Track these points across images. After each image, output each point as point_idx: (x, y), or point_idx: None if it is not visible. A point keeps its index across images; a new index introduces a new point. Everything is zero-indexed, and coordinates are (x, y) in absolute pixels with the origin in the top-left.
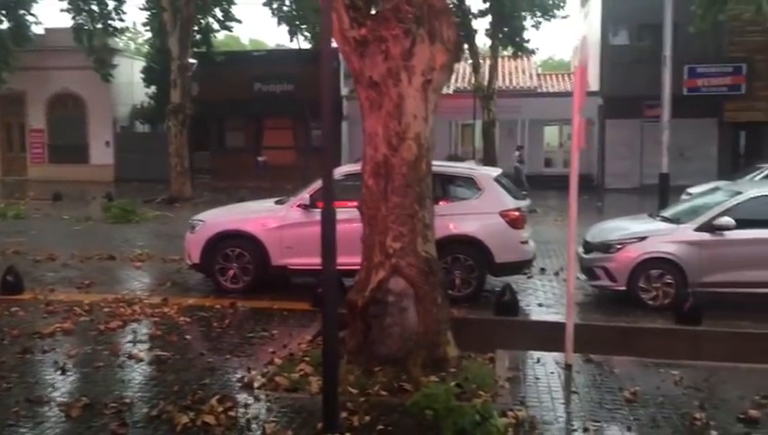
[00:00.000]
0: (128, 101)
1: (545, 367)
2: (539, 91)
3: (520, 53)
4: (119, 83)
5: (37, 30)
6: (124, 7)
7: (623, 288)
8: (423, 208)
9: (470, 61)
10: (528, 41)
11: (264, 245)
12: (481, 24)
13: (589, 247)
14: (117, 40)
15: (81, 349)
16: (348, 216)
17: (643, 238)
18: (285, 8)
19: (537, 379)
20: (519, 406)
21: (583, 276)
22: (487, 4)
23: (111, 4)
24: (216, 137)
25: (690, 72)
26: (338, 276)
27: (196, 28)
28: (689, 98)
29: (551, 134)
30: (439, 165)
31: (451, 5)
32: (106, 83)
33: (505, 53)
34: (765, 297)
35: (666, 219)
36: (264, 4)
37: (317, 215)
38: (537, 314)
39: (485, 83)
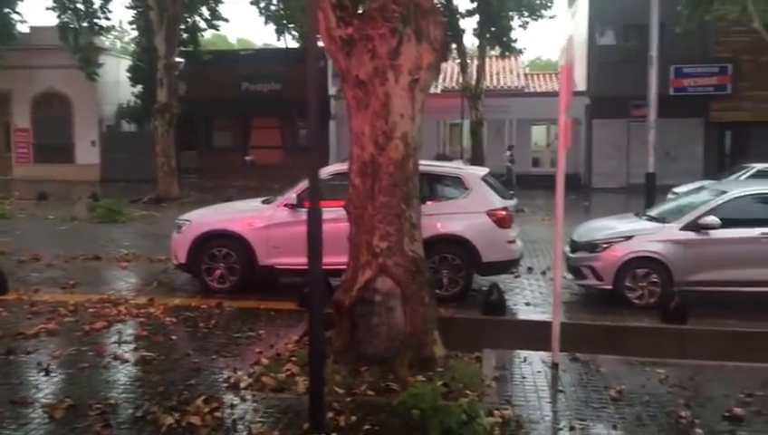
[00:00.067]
0: (114, 100)
1: (532, 366)
2: (526, 90)
3: (507, 53)
4: (105, 82)
5: (22, 28)
6: (110, 6)
7: (609, 287)
8: (410, 208)
9: (458, 60)
10: (515, 40)
11: (251, 244)
12: (468, 24)
13: (575, 247)
14: (103, 38)
15: (66, 350)
16: (335, 215)
17: (629, 238)
18: (273, 7)
19: (524, 378)
20: (505, 405)
21: (570, 276)
22: (475, 4)
23: (97, 3)
24: (204, 136)
25: (676, 72)
26: (325, 276)
27: (182, 27)
28: (675, 98)
29: (538, 134)
30: (426, 164)
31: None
32: (92, 82)
33: (493, 52)
34: (750, 296)
35: (651, 218)
36: (252, 3)
37: (304, 214)
38: (524, 314)
39: (473, 83)
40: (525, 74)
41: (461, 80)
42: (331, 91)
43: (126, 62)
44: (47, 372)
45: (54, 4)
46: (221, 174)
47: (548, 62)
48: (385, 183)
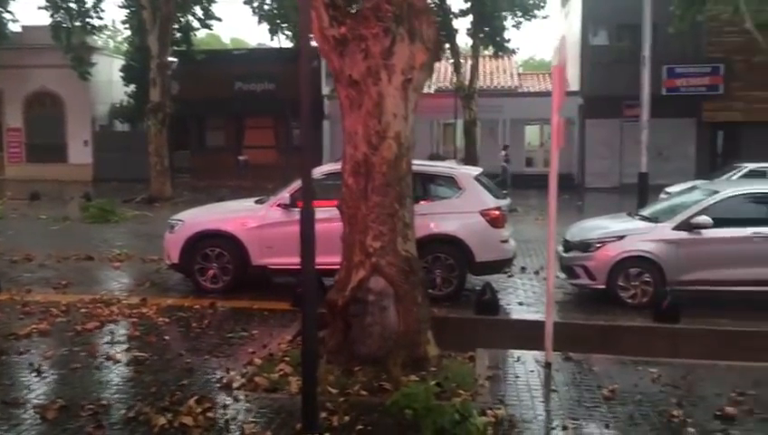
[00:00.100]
0: (107, 99)
1: (525, 365)
2: (520, 90)
3: (501, 53)
4: (97, 82)
5: (14, 28)
6: (103, 5)
7: (602, 287)
8: (403, 207)
9: (451, 60)
10: (509, 40)
11: (244, 244)
12: (462, 24)
13: (568, 246)
14: (95, 38)
15: (58, 350)
16: (328, 215)
17: (622, 237)
18: (266, 7)
19: (517, 377)
20: (498, 405)
21: (563, 275)
22: (468, 4)
23: (90, 2)
24: (197, 136)
25: (669, 72)
26: (318, 276)
27: (176, 26)
28: (668, 98)
29: (531, 134)
30: (420, 164)
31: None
32: (84, 82)
33: (486, 52)
34: (742, 295)
35: (644, 218)
36: (245, 3)
37: (297, 214)
38: (517, 313)
39: (467, 83)
40: (519, 74)
41: (454, 79)
42: (325, 90)
43: (119, 62)
44: (39, 373)
45: (47, 4)
46: (214, 174)
47: (541, 62)
48: (378, 183)
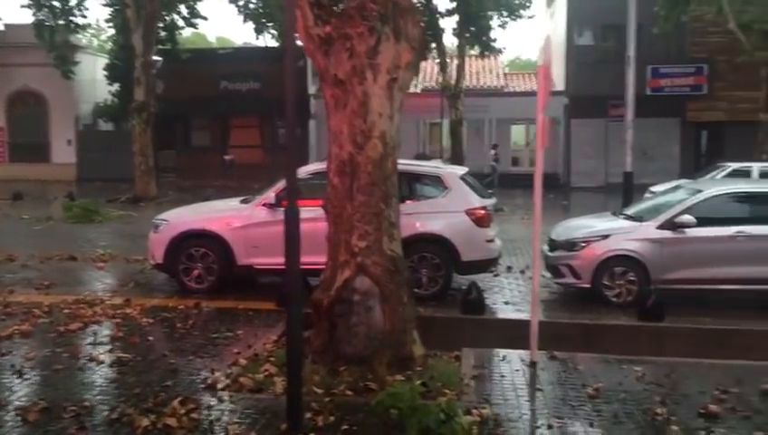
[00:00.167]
0: (90, 98)
1: (510, 364)
2: (506, 90)
3: (487, 53)
4: (81, 81)
5: None
6: (86, 3)
7: (587, 286)
8: (389, 207)
9: (437, 60)
10: (495, 40)
11: (229, 244)
12: (448, 24)
13: (554, 245)
14: (79, 36)
15: (40, 351)
16: (314, 214)
17: (607, 236)
18: (252, 5)
19: (502, 376)
20: (484, 404)
21: (548, 274)
22: (454, 4)
23: (73, 0)
24: (182, 135)
25: (653, 72)
26: (303, 276)
27: (160, 25)
28: (652, 98)
29: (517, 133)
30: (405, 163)
31: (417, 4)
32: (68, 81)
33: (472, 52)
34: (726, 294)
35: (629, 217)
36: (230, 2)
37: (283, 214)
38: (503, 312)
39: (453, 82)
40: (505, 74)
41: (440, 79)
42: (311, 90)
43: (103, 61)
44: (21, 375)
45: (30, 2)
46: (200, 173)
47: (527, 61)
48: (363, 182)
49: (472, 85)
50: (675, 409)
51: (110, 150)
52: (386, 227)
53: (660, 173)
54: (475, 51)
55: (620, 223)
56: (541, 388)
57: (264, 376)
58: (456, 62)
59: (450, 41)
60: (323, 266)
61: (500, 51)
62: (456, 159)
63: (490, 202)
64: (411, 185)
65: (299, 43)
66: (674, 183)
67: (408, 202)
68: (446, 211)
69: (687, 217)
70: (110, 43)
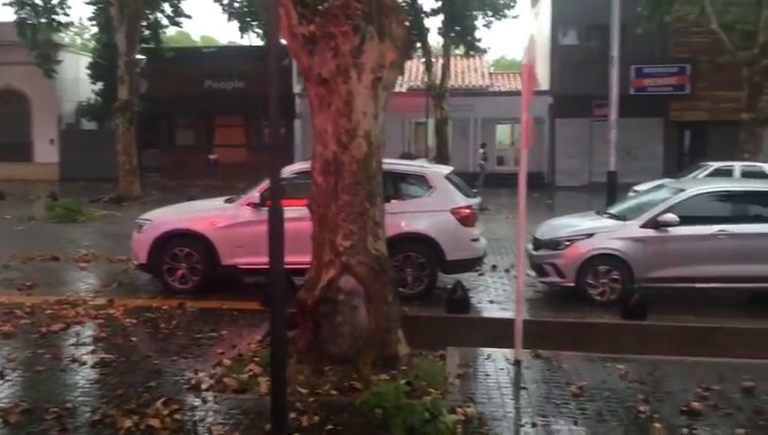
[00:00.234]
0: (73, 97)
1: (495, 363)
2: (491, 90)
3: (472, 52)
4: (64, 79)
5: None
6: (69, 1)
7: (572, 284)
8: (374, 206)
9: (423, 59)
10: (480, 40)
11: (214, 244)
12: (433, 23)
13: (538, 244)
14: (62, 35)
15: (22, 353)
16: (299, 214)
17: (591, 235)
18: (236, 4)
19: (487, 375)
20: (468, 403)
21: (533, 273)
22: (439, 3)
23: None
24: (166, 134)
25: (637, 72)
26: (288, 275)
27: (144, 23)
28: (636, 97)
29: (502, 133)
30: (390, 163)
31: (402, 4)
32: (50, 79)
33: (457, 51)
34: (708, 292)
35: (612, 216)
36: (215, 0)
37: (267, 213)
38: (488, 311)
39: (438, 82)
40: (490, 74)
41: (426, 78)
42: (296, 89)
43: (86, 59)
44: (2, 376)
45: (12, 0)
46: (184, 173)
47: (512, 61)
48: (348, 181)
49: (457, 85)
50: (658, 406)
51: (93, 150)
52: (371, 227)
53: (644, 172)
54: (461, 50)
55: (604, 222)
56: (525, 386)
57: (249, 376)
58: (441, 61)
59: (435, 40)
60: (308, 266)
61: (485, 50)
62: (442, 158)
63: (475, 201)
64: (396, 184)
65: (283, 42)
66: (657, 182)
67: (392, 201)
68: (431, 210)
69: (670, 216)
70: (93, 42)
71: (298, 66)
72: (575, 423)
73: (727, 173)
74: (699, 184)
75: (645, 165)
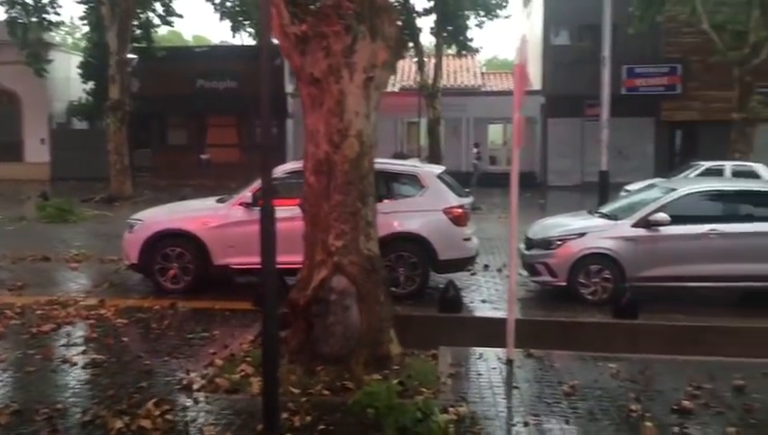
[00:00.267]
0: (65, 97)
1: (487, 363)
2: (483, 89)
3: (464, 52)
4: (55, 79)
5: None
6: (60, 0)
7: (563, 283)
8: (366, 206)
9: (415, 59)
10: (472, 39)
11: (205, 244)
12: (426, 23)
13: (530, 244)
14: (53, 34)
15: (12, 353)
16: (291, 214)
17: (582, 235)
18: (228, 4)
19: (479, 375)
20: (461, 402)
21: (525, 273)
22: (431, 3)
23: None
24: (158, 134)
25: (628, 72)
26: (280, 275)
27: (135, 23)
28: (628, 97)
29: (495, 132)
30: (383, 162)
31: (395, 3)
32: (41, 79)
33: (450, 51)
34: (699, 291)
35: (604, 216)
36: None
37: (259, 213)
38: (480, 311)
39: (430, 81)
40: (482, 73)
41: (418, 78)
42: (288, 88)
43: (77, 59)
44: None
45: None
46: (176, 173)
47: (504, 61)
48: (340, 181)
49: (449, 84)
50: (649, 405)
51: (84, 149)
52: (363, 227)
53: (635, 172)
54: (453, 50)
55: (596, 221)
56: (517, 386)
57: (241, 377)
58: (433, 61)
59: (428, 40)
60: (300, 266)
61: (477, 50)
62: (434, 158)
63: (467, 201)
64: (388, 184)
65: (275, 41)
66: (648, 182)
67: (385, 201)
68: (424, 210)
69: (661, 216)
70: (84, 41)
71: (290, 66)
72: (567, 422)
73: (718, 173)
74: (690, 184)
75: (636, 164)
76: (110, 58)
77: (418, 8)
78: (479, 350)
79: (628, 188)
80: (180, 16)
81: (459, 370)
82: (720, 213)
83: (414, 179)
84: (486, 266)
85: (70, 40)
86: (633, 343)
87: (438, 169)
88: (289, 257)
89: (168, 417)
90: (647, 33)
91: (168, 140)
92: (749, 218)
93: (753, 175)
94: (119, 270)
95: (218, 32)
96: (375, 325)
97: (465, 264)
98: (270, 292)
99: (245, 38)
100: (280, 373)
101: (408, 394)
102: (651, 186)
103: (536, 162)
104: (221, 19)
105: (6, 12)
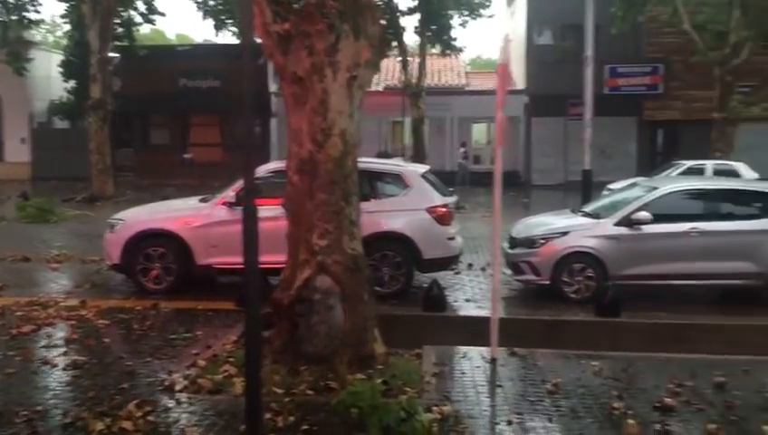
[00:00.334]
0: (45, 96)
1: (471, 362)
2: (467, 89)
3: (448, 51)
4: (35, 78)
5: None
6: None
7: (547, 282)
8: (349, 205)
9: (399, 58)
10: (456, 39)
11: (188, 244)
12: (409, 22)
13: (514, 243)
14: (33, 32)
15: None
16: (274, 213)
17: (565, 233)
18: (211, 2)
19: (463, 374)
20: (444, 401)
21: (509, 271)
22: (415, 2)
23: None
24: (140, 133)
25: (611, 71)
26: (264, 275)
27: (117, 21)
28: (610, 97)
29: (479, 132)
30: (366, 162)
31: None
32: (21, 78)
33: (434, 50)
34: (681, 289)
35: (587, 215)
36: None
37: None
38: (465, 310)
39: (414, 81)
40: (466, 73)
41: (402, 77)
42: (272, 88)
43: (58, 57)
44: None
45: None
46: (158, 172)
47: (488, 60)
48: (323, 180)
49: (433, 84)
50: (631, 403)
51: (65, 149)
52: (346, 226)
53: (618, 171)
54: (437, 49)
55: (579, 220)
56: (501, 384)
57: (224, 377)
58: (417, 60)
59: (412, 39)
60: (283, 265)
61: (461, 49)
62: (418, 157)
63: (451, 200)
64: (372, 183)
65: (258, 40)
66: (631, 181)
67: (369, 200)
68: (408, 209)
69: (644, 214)
70: (65, 40)
71: (273, 65)
72: (550, 420)
73: (699, 172)
74: (672, 182)
75: (619, 163)
76: (91, 57)
77: (402, 7)
78: (463, 349)
79: (611, 186)
80: (163, 15)
81: (443, 369)
82: (701, 211)
83: (398, 179)
84: (470, 265)
85: (51, 38)
86: (616, 340)
87: (422, 168)
88: (272, 257)
89: (150, 418)
90: (629, 33)
91: (151, 140)
92: (730, 217)
93: (733, 174)
94: (100, 270)
95: (201, 30)
96: (359, 325)
97: (449, 263)
98: (253, 292)
99: (229, 37)
100: (263, 374)
101: (392, 394)
102: (633, 185)
103: (520, 161)
104: (204, 18)
105: None
